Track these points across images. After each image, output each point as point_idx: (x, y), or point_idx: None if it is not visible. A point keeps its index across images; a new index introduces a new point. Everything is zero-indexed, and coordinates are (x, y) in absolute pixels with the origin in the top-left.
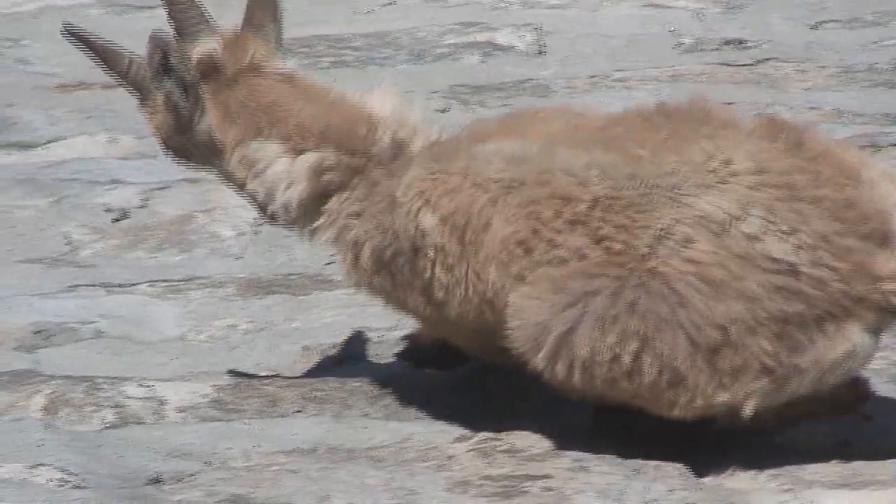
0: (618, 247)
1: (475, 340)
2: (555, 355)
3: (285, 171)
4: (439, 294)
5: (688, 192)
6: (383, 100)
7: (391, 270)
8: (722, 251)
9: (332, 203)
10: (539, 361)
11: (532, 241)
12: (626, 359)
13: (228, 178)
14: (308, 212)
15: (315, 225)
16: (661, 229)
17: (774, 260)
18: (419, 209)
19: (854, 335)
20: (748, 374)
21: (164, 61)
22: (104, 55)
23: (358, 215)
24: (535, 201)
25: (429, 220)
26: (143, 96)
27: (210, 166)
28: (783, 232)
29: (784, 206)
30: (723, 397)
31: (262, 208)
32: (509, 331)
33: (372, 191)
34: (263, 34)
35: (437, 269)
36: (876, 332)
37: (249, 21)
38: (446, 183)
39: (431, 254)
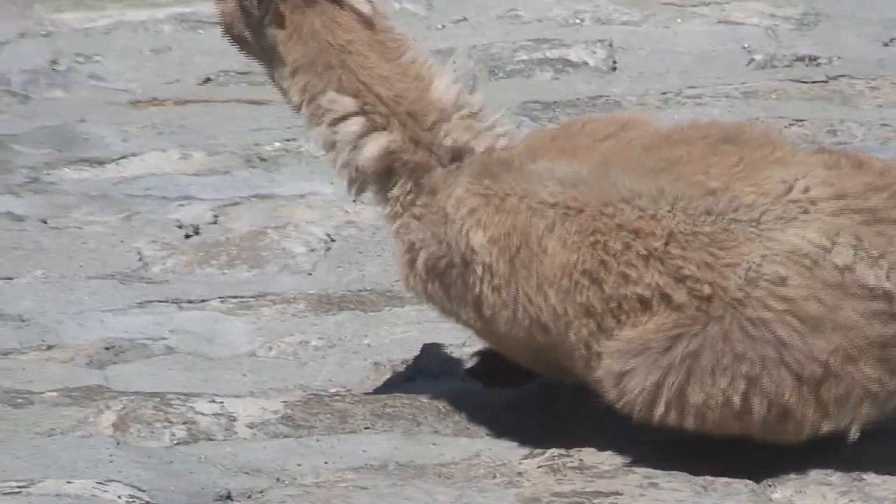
0: (707, 290)
1: (527, 355)
2: (668, 410)
3: (354, 134)
4: (487, 312)
5: (771, 225)
6: (452, 84)
7: (444, 281)
8: (816, 285)
9: (396, 191)
10: (655, 417)
11: (600, 273)
12: (737, 400)
13: (281, 90)
14: (370, 183)
15: (385, 211)
16: (749, 268)
17: (868, 287)
18: (469, 228)
19: None
20: (852, 401)
21: None
22: None
23: (418, 219)
24: (599, 231)
25: (478, 239)
26: None
27: (265, 66)
28: (872, 257)
29: (869, 231)
30: (829, 426)
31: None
32: (601, 384)
33: (432, 198)
34: None
35: (486, 288)
36: None
37: None
38: (496, 202)
39: (480, 271)
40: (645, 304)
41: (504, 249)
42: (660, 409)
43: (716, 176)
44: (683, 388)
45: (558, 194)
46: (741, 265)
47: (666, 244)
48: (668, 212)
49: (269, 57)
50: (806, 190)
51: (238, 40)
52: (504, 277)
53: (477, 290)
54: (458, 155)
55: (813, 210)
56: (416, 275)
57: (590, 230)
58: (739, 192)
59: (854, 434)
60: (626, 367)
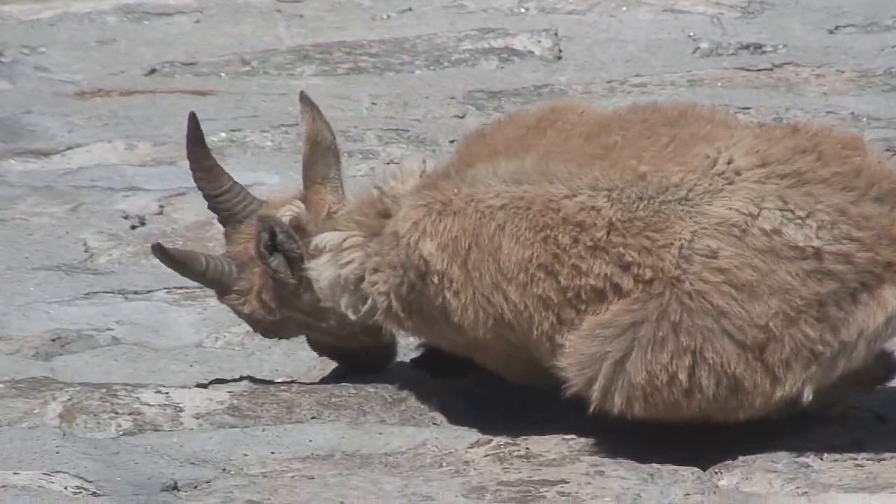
0: (649, 274)
1: (509, 363)
2: (610, 385)
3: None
4: (456, 319)
5: (699, 200)
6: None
7: (415, 308)
8: (747, 252)
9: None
10: (594, 393)
11: (554, 266)
12: (683, 376)
13: (338, 325)
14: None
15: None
16: (682, 245)
17: (798, 248)
18: (417, 239)
19: (891, 299)
20: (799, 363)
21: (271, 240)
22: (183, 262)
23: (376, 266)
24: (548, 226)
25: (427, 248)
26: (223, 289)
27: (309, 330)
28: (799, 218)
29: (795, 193)
30: (780, 391)
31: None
32: (560, 368)
33: (382, 232)
34: (331, 184)
35: (447, 294)
36: None
37: (314, 174)
38: (438, 208)
39: (436, 280)
40: (600, 294)
41: (454, 254)
42: (598, 385)
43: (647, 159)
44: (624, 362)
45: (504, 194)
46: (674, 244)
47: (608, 234)
48: (606, 202)
49: (313, 317)
50: (730, 161)
51: (271, 331)
52: (459, 281)
53: (439, 300)
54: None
55: (738, 180)
56: (398, 318)
57: (539, 226)
58: (668, 172)
59: (807, 396)
60: (573, 342)
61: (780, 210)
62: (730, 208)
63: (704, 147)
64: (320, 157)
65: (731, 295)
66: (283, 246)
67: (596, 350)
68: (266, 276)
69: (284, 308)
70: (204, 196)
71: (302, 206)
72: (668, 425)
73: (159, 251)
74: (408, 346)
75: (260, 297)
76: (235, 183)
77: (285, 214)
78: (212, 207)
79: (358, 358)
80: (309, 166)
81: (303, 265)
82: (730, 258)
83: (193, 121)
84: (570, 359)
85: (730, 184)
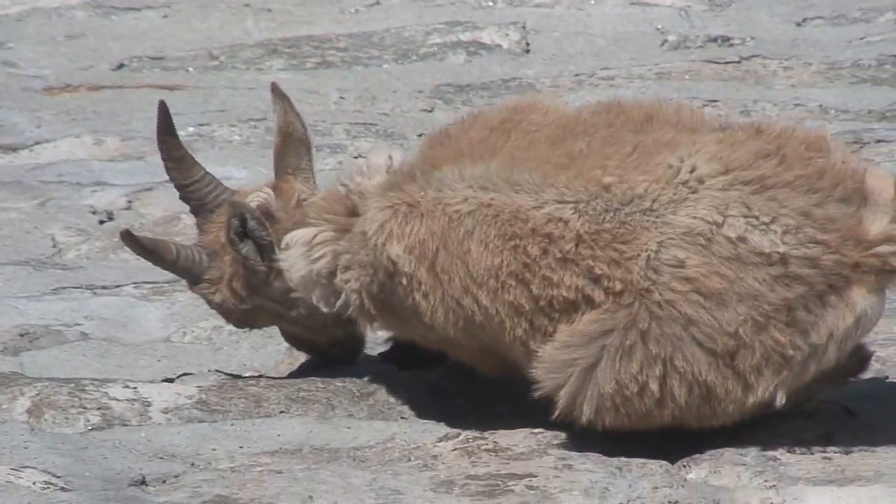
0: (619, 286)
1: (483, 359)
2: (578, 393)
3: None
4: (427, 319)
5: (664, 210)
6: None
7: (387, 306)
8: (713, 260)
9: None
10: (560, 399)
11: (525, 275)
12: (654, 386)
13: (309, 315)
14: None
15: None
16: (649, 257)
17: (764, 254)
18: (384, 241)
19: (859, 300)
20: (770, 368)
21: (241, 227)
22: (153, 250)
23: (347, 264)
24: (517, 236)
25: (394, 250)
26: (194, 278)
27: (281, 319)
28: (764, 224)
29: (759, 198)
30: (752, 397)
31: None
32: (532, 372)
33: (352, 230)
34: (302, 175)
35: (416, 295)
36: (880, 291)
37: (285, 165)
38: (405, 210)
39: (405, 281)
40: (573, 304)
41: (422, 256)
42: (566, 391)
43: (612, 169)
44: (593, 370)
45: (472, 200)
46: (641, 255)
47: (576, 246)
48: (573, 213)
49: (283, 305)
50: (693, 169)
51: (244, 321)
52: (428, 283)
53: (409, 300)
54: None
55: (701, 188)
56: (370, 315)
57: (508, 234)
58: (632, 182)
59: (780, 400)
60: (550, 363)
61: (745, 217)
62: (694, 217)
63: (668, 155)
64: (291, 148)
65: (700, 303)
66: (254, 233)
67: (566, 357)
68: (237, 263)
69: (255, 296)
70: (175, 186)
71: (271, 192)
72: (639, 433)
73: (128, 238)
74: (375, 340)
75: (231, 285)
76: (206, 173)
77: (254, 201)
78: (183, 197)
79: (329, 351)
80: (280, 157)
81: (273, 252)
82: (697, 267)
83: (164, 110)
84: (541, 365)
85: (693, 192)
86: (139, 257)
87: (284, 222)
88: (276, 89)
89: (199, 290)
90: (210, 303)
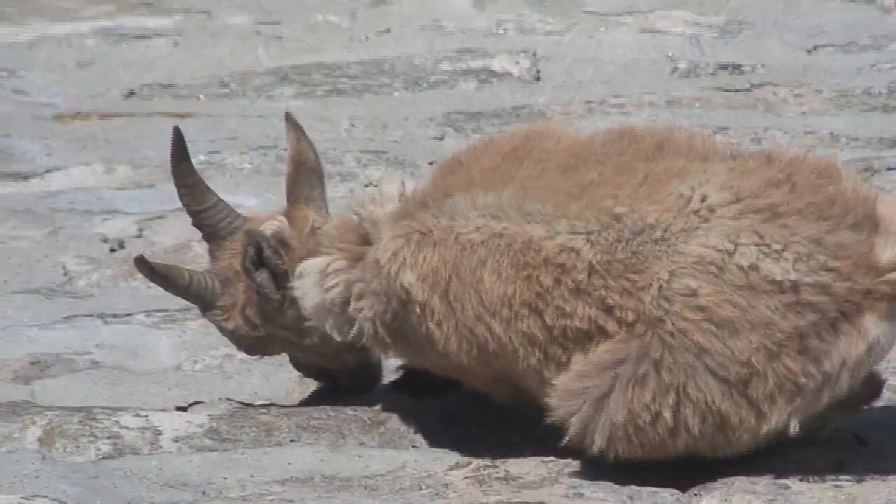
0: (632, 317)
1: (496, 386)
2: (590, 421)
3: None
4: (441, 347)
5: (675, 240)
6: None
7: (401, 334)
8: (726, 289)
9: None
10: (572, 426)
11: (538, 304)
12: (667, 414)
13: (322, 343)
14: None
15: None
16: (661, 286)
17: (776, 282)
18: (398, 270)
19: (871, 327)
20: (783, 396)
21: (257, 255)
22: (166, 276)
23: (361, 293)
24: (530, 265)
25: (408, 278)
26: (206, 305)
27: (293, 347)
28: (776, 252)
29: (770, 226)
30: (766, 426)
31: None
32: (546, 401)
33: (364, 259)
34: (314, 204)
35: (430, 324)
36: (892, 318)
37: (297, 194)
38: (417, 239)
39: (418, 310)
40: (587, 335)
41: (434, 285)
42: (578, 419)
43: (623, 199)
44: (606, 402)
45: (484, 229)
46: (653, 285)
47: (589, 276)
48: (585, 244)
49: (296, 334)
50: (704, 198)
51: (255, 348)
52: (441, 311)
53: (423, 328)
54: (372, 224)
55: (713, 217)
56: (384, 343)
57: (521, 264)
58: (643, 212)
59: (794, 428)
60: (564, 391)
61: (756, 245)
62: (706, 246)
63: (679, 184)
64: (304, 177)
65: (712, 332)
66: (269, 261)
67: (579, 386)
68: (250, 291)
69: (268, 324)
70: (188, 212)
71: (285, 220)
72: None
73: (142, 264)
74: (387, 369)
75: (244, 312)
76: (220, 199)
77: (268, 229)
78: (196, 224)
79: (340, 378)
80: (292, 186)
81: (287, 281)
82: (709, 296)
83: (178, 137)
84: (555, 394)
85: (705, 221)
86: (151, 284)
87: (298, 251)
88: (290, 118)
89: (212, 317)
90: (222, 329)
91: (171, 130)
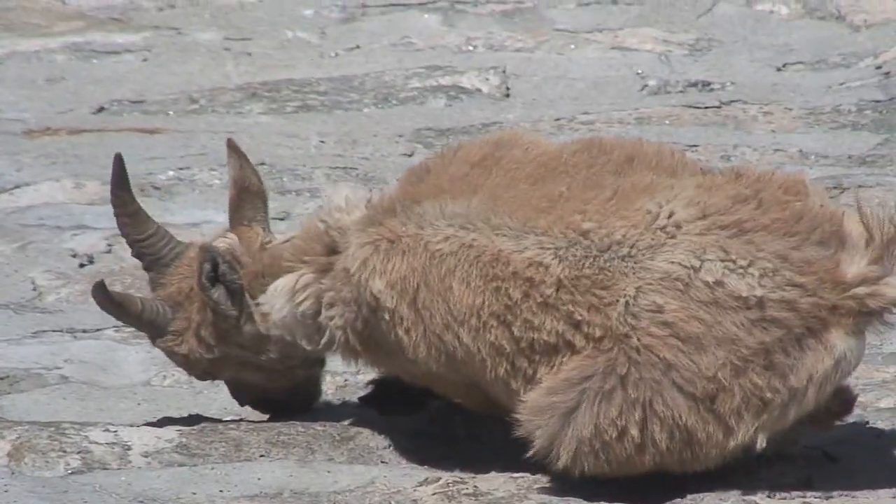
0: (599, 333)
1: (467, 394)
2: (556, 436)
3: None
4: (410, 354)
5: (642, 256)
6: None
7: (373, 342)
8: (691, 305)
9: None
10: (539, 437)
11: (507, 316)
12: (634, 430)
13: (279, 359)
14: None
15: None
16: (628, 303)
17: (741, 298)
18: (367, 277)
19: (838, 342)
20: (750, 412)
21: (213, 271)
22: (121, 303)
23: (331, 301)
24: (499, 277)
25: (377, 286)
26: (158, 332)
27: (247, 367)
28: (741, 268)
29: (737, 242)
30: (733, 441)
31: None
32: (515, 416)
33: (334, 269)
34: (258, 226)
35: (399, 331)
36: (859, 333)
37: (241, 217)
38: (386, 246)
39: (387, 317)
40: (553, 348)
41: (403, 292)
42: (554, 444)
43: (591, 214)
44: (572, 417)
45: (453, 239)
46: (620, 301)
47: (557, 291)
48: (553, 259)
49: (254, 349)
50: (670, 215)
51: (207, 373)
52: (410, 319)
53: (392, 335)
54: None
55: (679, 234)
56: (355, 351)
57: (490, 275)
58: (611, 228)
59: (761, 443)
60: (532, 407)
61: (722, 261)
62: (672, 262)
63: (647, 200)
64: (247, 201)
65: (679, 347)
66: (225, 277)
67: (547, 402)
68: (204, 311)
69: (223, 344)
70: (129, 242)
71: (235, 237)
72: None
73: (100, 291)
74: (357, 385)
75: (198, 334)
76: (160, 226)
77: (220, 245)
78: (137, 253)
79: (282, 400)
80: (235, 209)
81: (243, 297)
82: (675, 312)
83: (119, 164)
84: (524, 409)
85: (671, 238)
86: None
87: (251, 266)
88: (231, 145)
89: (164, 343)
90: (174, 355)
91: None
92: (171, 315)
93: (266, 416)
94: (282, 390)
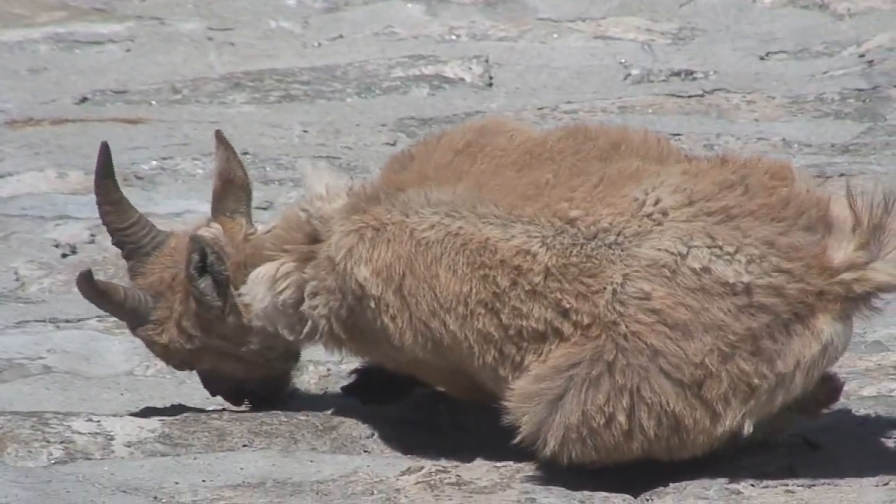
0: (587, 320)
1: (452, 381)
2: (543, 421)
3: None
4: (396, 341)
5: (629, 243)
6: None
7: (357, 330)
8: (678, 292)
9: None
10: (525, 424)
11: (495, 304)
12: (622, 417)
13: (259, 350)
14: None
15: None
16: (615, 290)
17: (728, 284)
18: (352, 266)
19: (825, 328)
20: (737, 398)
21: (201, 261)
22: (104, 292)
23: (315, 291)
24: (486, 265)
25: (362, 273)
26: (139, 321)
27: (225, 358)
28: (728, 254)
29: (723, 228)
30: (721, 427)
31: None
32: (503, 404)
33: (318, 257)
34: (241, 218)
35: (385, 318)
36: (846, 319)
37: (223, 209)
38: (371, 234)
39: (373, 304)
40: (541, 335)
41: (389, 279)
42: (541, 431)
43: (578, 201)
44: (559, 404)
45: (439, 227)
46: (607, 289)
47: (545, 279)
48: (541, 247)
49: (236, 338)
50: (657, 202)
51: (185, 363)
52: (395, 306)
53: (378, 323)
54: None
55: (665, 220)
56: (339, 339)
57: (477, 263)
58: (597, 216)
59: (748, 430)
60: (520, 395)
61: (709, 247)
62: (659, 249)
63: (633, 187)
64: (231, 193)
65: (666, 334)
66: (213, 267)
67: (535, 389)
68: (187, 301)
69: (204, 335)
70: (110, 230)
71: (219, 227)
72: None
73: (85, 281)
74: (339, 374)
75: (180, 324)
76: (142, 216)
77: (206, 235)
78: (118, 242)
79: (256, 392)
80: (219, 201)
81: (228, 288)
82: (662, 299)
83: (105, 153)
84: (512, 397)
85: (658, 225)
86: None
87: (234, 257)
88: (220, 137)
89: (144, 332)
90: (153, 345)
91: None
92: (152, 304)
93: (244, 407)
94: (255, 381)
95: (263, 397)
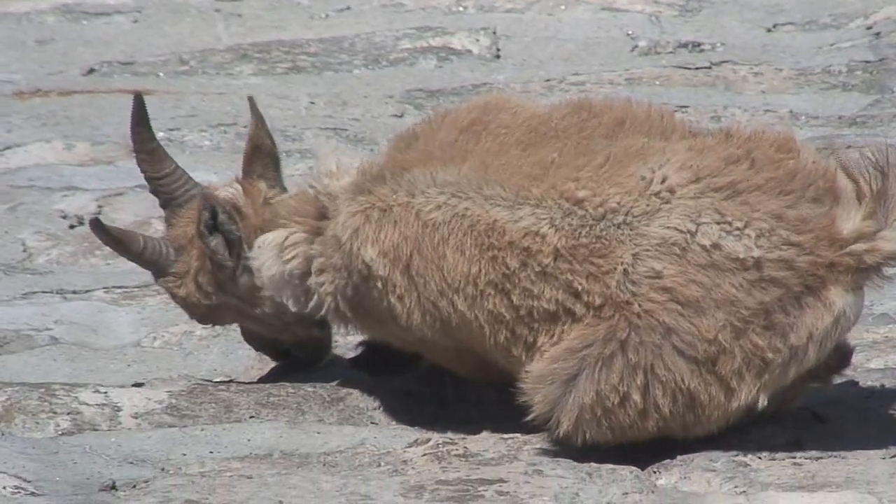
0: (599, 301)
1: (460, 360)
2: (557, 401)
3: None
4: (403, 321)
5: (638, 222)
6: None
7: (363, 309)
8: (689, 269)
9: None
10: (538, 403)
11: (505, 285)
12: (636, 395)
13: (273, 314)
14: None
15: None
16: (626, 270)
17: (739, 259)
18: (359, 246)
19: (836, 299)
20: (751, 372)
21: (212, 220)
22: (121, 240)
23: (322, 267)
24: (495, 247)
25: (369, 254)
26: (160, 271)
27: (244, 317)
28: (738, 229)
29: (731, 204)
30: (735, 402)
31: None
32: (520, 386)
33: (325, 233)
34: (268, 182)
35: (392, 298)
36: (858, 289)
37: (252, 171)
38: (377, 215)
39: (380, 284)
40: (553, 316)
41: (396, 260)
42: (555, 410)
43: (584, 181)
44: (573, 384)
45: (445, 207)
46: (618, 269)
47: (555, 260)
48: (550, 228)
49: (250, 301)
50: (664, 179)
51: (207, 317)
52: (403, 286)
53: (385, 303)
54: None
55: (673, 198)
56: (345, 317)
57: (485, 245)
58: (605, 196)
59: (762, 403)
60: (536, 378)
61: (718, 223)
62: (668, 227)
63: (639, 165)
64: (259, 158)
65: (678, 311)
66: (223, 226)
67: (549, 370)
68: (203, 258)
69: (220, 292)
70: (146, 178)
71: (240, 188)
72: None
73: (98, 227)
74: (346, 346)
75: (196, 279)
76: (178, 166)
77: (222, 194)
78: (153, 190)
79: (290, 352)
80: (248, 163)
81: (241, 248)
82: (673, 276)
83: (139, 103)
84: (528, 380)
85: (666, 203)
86: (111, 260)
87: (252, 219)
88: (252, 104)
89: (164, 284)
90: (174, 297)
91: (129, 108)
92: (174, 256)
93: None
94: (290, 344)
95: (302, 360)
